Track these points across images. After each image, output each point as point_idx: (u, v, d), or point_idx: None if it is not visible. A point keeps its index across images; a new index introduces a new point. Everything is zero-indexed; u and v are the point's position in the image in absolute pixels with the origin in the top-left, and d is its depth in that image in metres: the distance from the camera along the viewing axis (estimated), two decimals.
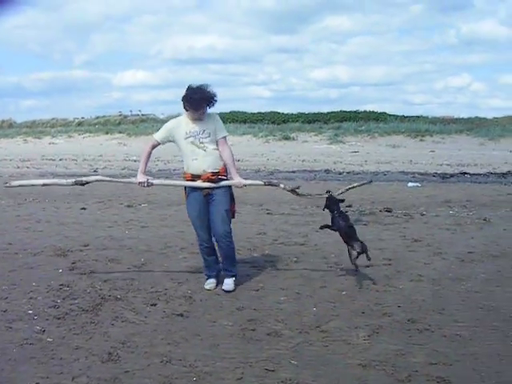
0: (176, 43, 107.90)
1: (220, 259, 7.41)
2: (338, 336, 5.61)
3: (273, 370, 4.85)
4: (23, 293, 6.99)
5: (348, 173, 22.50)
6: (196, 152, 7.00)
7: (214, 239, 7.26)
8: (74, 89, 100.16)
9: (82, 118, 51.98)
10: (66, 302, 6.64)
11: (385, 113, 45.65)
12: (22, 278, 7.61)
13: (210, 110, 7.11)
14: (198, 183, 7.04)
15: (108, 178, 8.02)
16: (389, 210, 12.98)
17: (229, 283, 7.19)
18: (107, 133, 44.78)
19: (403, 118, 43.84)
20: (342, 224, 7.55)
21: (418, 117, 44.45)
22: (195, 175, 7.06)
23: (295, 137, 39.28)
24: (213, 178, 7.03)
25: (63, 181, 7.76)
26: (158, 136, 7.21)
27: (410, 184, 18.42)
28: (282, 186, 7.54)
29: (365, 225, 11.40)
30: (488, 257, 8.68)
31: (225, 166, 7.12)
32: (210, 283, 7.29)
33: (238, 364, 4.97)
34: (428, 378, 4.69)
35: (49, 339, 5.53)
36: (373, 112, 45.69)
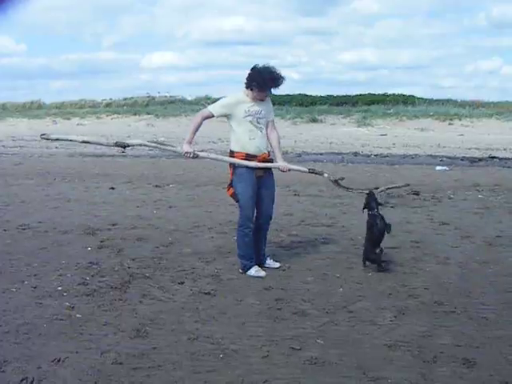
0: (204, 25, 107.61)
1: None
2: (364, 317, 5.62)
3: (299, 349, 4.88)
4: (53, 270, 7.09)
5: (376, 155, 22.38)
6: (254, 132, 6.92)
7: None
8: (102, 70, 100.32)
9: (110, 99, 52.03)
10: (95, 280, 6.73)
11: (413, 96, 45.14)
12: (51, 256, 7.72)
13: None
14: (248, 162, 6.90)
15: (153, 144, 7.78)
16: (417, 193, 12.90)
17: (272, 262, 7.41)
18: (135, 114, 44.79)
19: (432, 102, 43.31)
20: (378, 225, 7.22)
21: (447, 100, 43.96)
22: (251, 155, 6.93)
23: (323, 119, 39.05)
24: (268, 158, 7.06)
25: (104, 141, 7.38)
26: (215, 109, 7.00)
27: (438, 167, 18.29)
28: (326, 175, 7.55)
29: (392, 207, 11.34)
30: None
31: None
32: (259, 269, 7.08)
33: (264, 342, 5.01)
34: (454, 359, 4.69)
35: (78, 315, 5.61)
36: (401, 95, 45.20)
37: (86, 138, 7.41)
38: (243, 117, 6.88)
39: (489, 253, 7.98)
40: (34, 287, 6.45)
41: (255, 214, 7.11)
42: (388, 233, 7.23)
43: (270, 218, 7.25)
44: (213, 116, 7.00)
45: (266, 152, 7.08)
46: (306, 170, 7.62)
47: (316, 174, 7.66)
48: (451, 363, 4.62)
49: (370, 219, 7.37)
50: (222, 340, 5.05)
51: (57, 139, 7.87)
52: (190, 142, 7.08)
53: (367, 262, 7.28)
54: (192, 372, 4.47)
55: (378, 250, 7.14)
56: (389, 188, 8.81)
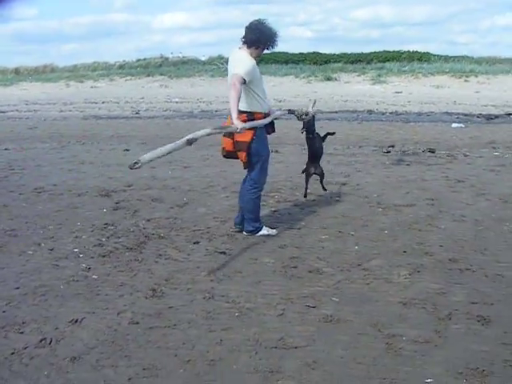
0: None
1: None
2: (379, 274, 5.64)
3: (314, 307, 4.91)
4: (69, 232, 7.14)
5: (391, 113, 22.20)
6: (265, 91, 6.86)
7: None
8: (114, 32, 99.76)
9: (124, 61, 51.81)
10: (111, 241, 6.78)
11: (428, 53, 44.63)
12: (67, 218, 7.77)
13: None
14: (266, 120, 6.77)
15: (217, 130, 6.66)
16: (432, 151, 12.84)
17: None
18: (148, 75, 44.59)
19: (447, 58, 42.82)
20: (317, 145, 8.23)
21: (463, 57, 43.45)
22: (266, 114, 6.81)
23: (337, 77, 38.73)
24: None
25: (179, 142, 6.76)
26: (246, 76, 6.40)
27: (453, 125, 18.13)
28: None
29: (408, 165, 11.32)
30: None
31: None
32: (269, 228, 7.07)
33: (279, 300, 5.04)
34: (468, 316, 4.70)
35: (94, 276, 5.67)
36: (416, 52, 44.69)
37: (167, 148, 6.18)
38: (260, 77, 6.70)
39: (504, 210, 7.95)
40: (51, 249, 6.51)
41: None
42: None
43: None
44: (244, 82, 6.41)
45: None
46: (285, 112, 7.92)
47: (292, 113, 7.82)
48: (466, 320, 4.64)
49: (309, 141, 8.20)
50: (237, 299, 5.09)
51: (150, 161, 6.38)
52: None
53: None
54: (208, 330, 4.51)
55: (316, 166, 8.25)
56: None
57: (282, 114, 7.80)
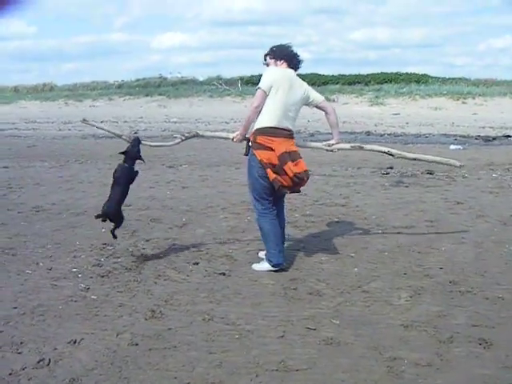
0: (214, 5, 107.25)
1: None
2: (379, 296, 5.61)
3: (314, 329, 4.87)
4: (67, 252, 7.11)
5: (389, 135, 22.29)
6: None
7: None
8: (113, 52, 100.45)
9: (122, 80, 52.02)
10: (110, 261, 6.75)
11: (426, 75, 44.89)
12: (65, 238, 7.74)
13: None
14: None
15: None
16: (430, 172, 12.86)
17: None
18: (147, 95, 44.76)
19: (445, 80, 43.11)
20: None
21: (460, 79, 43.70)
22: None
23: (336, 99, 38.83)
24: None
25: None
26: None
27: (452, 147, 18.17)
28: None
29: (406, 187, 11.34)
30: None
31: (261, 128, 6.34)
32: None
33: (279, 322, 5.01)
34: (470, 339, 4.67)
35: (93, 297, 5.63)
36: (414, 74, 44.95)
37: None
38: None
39: (504, 232, 7.94)
40: (49, 269, 6.47)
41: None
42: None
43: None
44: None
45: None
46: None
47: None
48: (467, 343, 4.60)
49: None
50: (237, 320, 5.06)
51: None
52: None
53: None
54: (207, 352, 4.47)
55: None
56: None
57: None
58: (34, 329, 4.91)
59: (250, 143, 6.38)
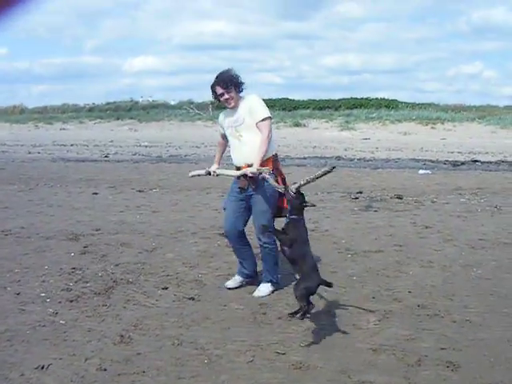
0: (185, 29, 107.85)
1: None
2: (348, 320, 5.63)
3: (283, 353, 4.88)
4: (36, 276, 7.05)
5: (359, 159, 22.45)
6: (233, 143, 6.46)
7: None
8: (84, 74, 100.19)
9: (93, 103, 51.99)
10: (78, 285, 6.70)
11: (396, 100, 45.45)
12: (34, 262, 7.67)
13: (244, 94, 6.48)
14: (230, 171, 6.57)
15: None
16: (400, 197, 12.97)
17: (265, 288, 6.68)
18: (118, 118, 44.76)
19: (414, 106, 43.63)
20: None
21: (430, 104, 44.27)
22: (238, 167, 6.45)
23: (306, 123, 39.15)
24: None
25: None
26: (218, 129, 6.79)
27: (420, 171, 18.36)
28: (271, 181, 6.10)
29: (376, 211, 11.42)
30: (499, 244, 8.66)
31: (271, 156, 6.35)
32: (234, 280, 6.83)
33: (248, 347, 5.00)
34: (438, 362, 4.70)
35: (61, 321, 5.59)
36: (384, 99, 45.49)
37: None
38: (226, 130, 6.52)
39: (472, 256, 8.02)
40: (17, 293, 6.41)
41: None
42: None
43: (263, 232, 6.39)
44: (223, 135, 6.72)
45: (250, 163, 6.24)
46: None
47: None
48: (435, 366, 4.64)
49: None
50: (206, 345, 5.04)
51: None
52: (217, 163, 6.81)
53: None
54: (176, 378, 4.45)
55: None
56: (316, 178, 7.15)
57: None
58: (1, 354, 4.85)
59: (266, 173, 6.06)
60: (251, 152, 6.21)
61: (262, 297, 6.43)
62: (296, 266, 5.44)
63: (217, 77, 6.40)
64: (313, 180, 5.64)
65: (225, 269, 7.27)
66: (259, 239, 6.52)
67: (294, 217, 5.53)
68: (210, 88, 6.47)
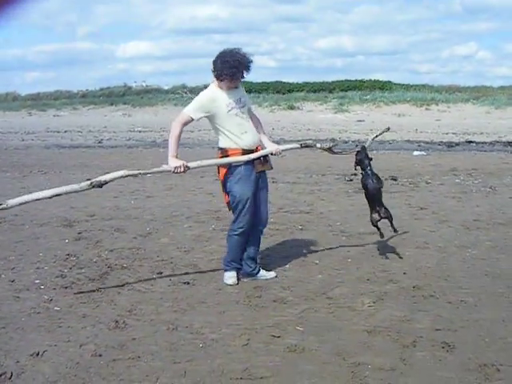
0: (178, 13, 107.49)
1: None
2: (343, 303, 5.63)
3: (278, 336, 4.87)
4: (30, 263, 7.04)
5: (353, 141, 22.40)
6: (244, 125, 6.11)
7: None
8: (77, 61, 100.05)
9: (86, 89, 51.73)
10: (73, 272, 6.69)
11: (390, 82, 45.34)
12: (28, 249, 7.66)
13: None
14: (242, 157, 6.05)
15: (135, 172, 6.73)
16: (394, 179, 12.96)
17: (265, 272, 6.59)
18: (111, 104, 44.65)
19: (409, 87, 43.57)
20: (372, 184, 6.88)
21: (424, 85, 44.18)
22: (248, 150, 6.09)
23: (300, 106, 39.14)
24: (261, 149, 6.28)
25: (76, 186, 6.57)
26: (193, 113, 6.02)
27: (415, 153, 18.37)
28: (318, 145, 7.01)
29: None
30: (493, 224, 8.67)
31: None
32: (234, 277, 6.38)
33: (244, 330, 5.00)
34: (433, 343, 4.71)
35: (56, 308, 5.57)
36: (378, 81, 45.39)
37: (54, 191, 6.30)
38: (227, 112, 6.01)
39: (467, 236, 8.02)
40: (12, 281, 6.40)
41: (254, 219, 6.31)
42: (381, 187, 6.98)
43: (267, 222, 6.62)
44: (193, 120, 6.06)
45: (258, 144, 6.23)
46: (297, 145, 6.84)
47: (308, 147, 7.00)
48: (430, 347, 4.64)
49: (363, 179, 7.05)
50: (201, 329, 5.04)
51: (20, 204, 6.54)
52: (176, 155, 5.98)
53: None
54: (172, 362, 4.45)
55: (382, 209, 6.95)
56: (375, 136, 7.93)
57: (289, 149, 7.02)
58: None
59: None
60: (257, 134, 6.28)
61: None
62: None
63: (241, 58, 6.00)
64: (373, 140, 7.83)
65: (220, 253, 7.23)
66: (266, 225, 6.59)
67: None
68: (226, 66, 5.93)
